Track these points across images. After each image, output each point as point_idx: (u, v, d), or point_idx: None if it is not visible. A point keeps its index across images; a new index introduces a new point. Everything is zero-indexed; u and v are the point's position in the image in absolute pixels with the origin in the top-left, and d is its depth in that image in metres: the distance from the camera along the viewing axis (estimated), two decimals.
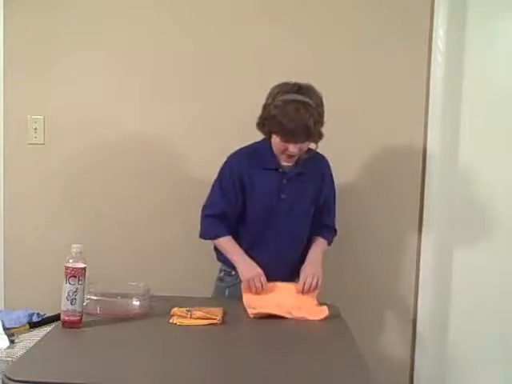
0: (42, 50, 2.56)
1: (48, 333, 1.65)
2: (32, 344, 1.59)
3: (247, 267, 1.99)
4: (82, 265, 1.64)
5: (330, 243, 2.20)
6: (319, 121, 1.95)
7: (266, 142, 2.05)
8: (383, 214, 2.57)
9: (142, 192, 2.58)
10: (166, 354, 1.53)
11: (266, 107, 1.99)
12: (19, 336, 1.74)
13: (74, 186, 2.60)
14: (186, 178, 2.54)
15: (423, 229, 2.55)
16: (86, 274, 1.66)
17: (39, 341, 1.58)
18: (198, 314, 1.75)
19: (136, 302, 1.81)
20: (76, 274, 1.63)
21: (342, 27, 2.52)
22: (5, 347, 1.65)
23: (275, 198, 2.06)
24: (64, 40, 2.56)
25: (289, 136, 1.94)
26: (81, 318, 1.65)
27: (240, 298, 1.98)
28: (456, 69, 2.50)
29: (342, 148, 2.54)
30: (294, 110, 1.89)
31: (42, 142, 2.59)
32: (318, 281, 1.99)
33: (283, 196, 2.06)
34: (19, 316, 1.85)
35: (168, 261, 2.54)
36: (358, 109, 2.53)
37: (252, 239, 2.08)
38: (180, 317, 1.74)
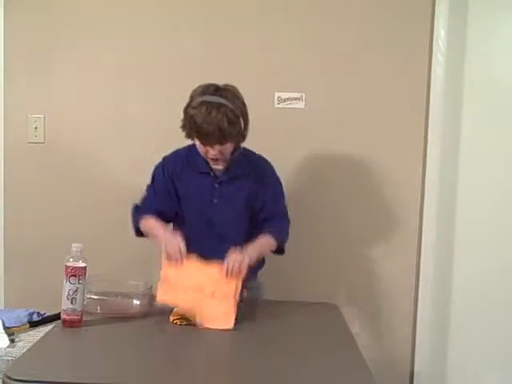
0: (42, 49, 2.56)
1: (48, 332, 1.65)
2: (32, 343, 1.59)
3: (167, 235, 1.88)
4: (82, 264, 1.64)
5: (280, 246, 2.03)
6: (235, 122, 1.88)
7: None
8: (383, 214, 2.57)
9: (143, 190, 2.57)
10: (167, 354, 1.53)
11: (185, 109, 1.93)
12: (19, 335, 1.74)
13: (74, 184, 2.60)
14: None
15: (423, 228, 2.55)
16: (87, 274, 1.66)
17: (39, 340, 1.58)
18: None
19: (136, 302, 1.80)
20: (76, 274, 1.63)
21: (343, 27, 2.52)
22: (5, 346, 1.65)
23: (207, 203, 2.00)
24: (64, 39, 2.56)
25: (203, 138, 1.90)
26: (81, 318, 1.65)
27: None
28: (457, 68, 2.50)
29: (342, 147, 2.55)
30: (206, 112, 1.84)
31: (42, 141, 2.59)
32: (241, 265, 1.81)
33: (215, 201, 2.00)
34: (19, 315, 1.85)
35: None
36: (358, 108, 2.53)
37: (189, 243, 1.97)
38: (180, 316, 1.74)
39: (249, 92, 2.32)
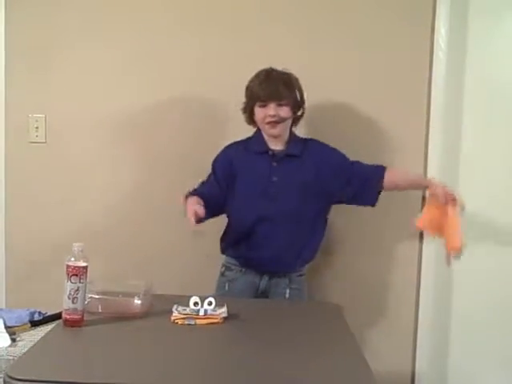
0: (44, 49, 2.56)
1: (49, 331, 1.65)
2: (33, 343, 1.59)
3: (188, 202, 1.99)
4: (83, 263, 1.64)
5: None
6: (291, 86, 2.06)
7: (257, 131, 2.15)
8: (385, 214, 2.56)
9: (144, 190, 2.58)
10: (167, 353, 1.53)
11: (245, 89, 2.11)
12: (20, 335, 1.74)
13: (75, 184, 2.60)
14: (188, 176, 2.53)
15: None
16: (88, 273, 1.66)
17: (40, 339, 1.58)
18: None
19: (137, 301, 1.80)
20: (77, 273, 1.63)
21: (343, 26, 2.52)
22: (6, 346, 1.65)
23: (266, 181, 2.07)
24: (65, 39, 2.56)
25: (261, 96, 2.03)
26: (82, 317, 1.65)
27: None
28: (458, 67, 2.49)
29: (343, 148, 2.54)
30: (263, 76, 2.06)
31: (43, 141, 2.59)
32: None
33: (274, 178, 2.07)
34: (20, 315, 1.86)
35: (169, 259, 2.54)
36: (359, 107, 2.53)
37: (246, 230, 2.08)
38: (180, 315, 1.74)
39: None
